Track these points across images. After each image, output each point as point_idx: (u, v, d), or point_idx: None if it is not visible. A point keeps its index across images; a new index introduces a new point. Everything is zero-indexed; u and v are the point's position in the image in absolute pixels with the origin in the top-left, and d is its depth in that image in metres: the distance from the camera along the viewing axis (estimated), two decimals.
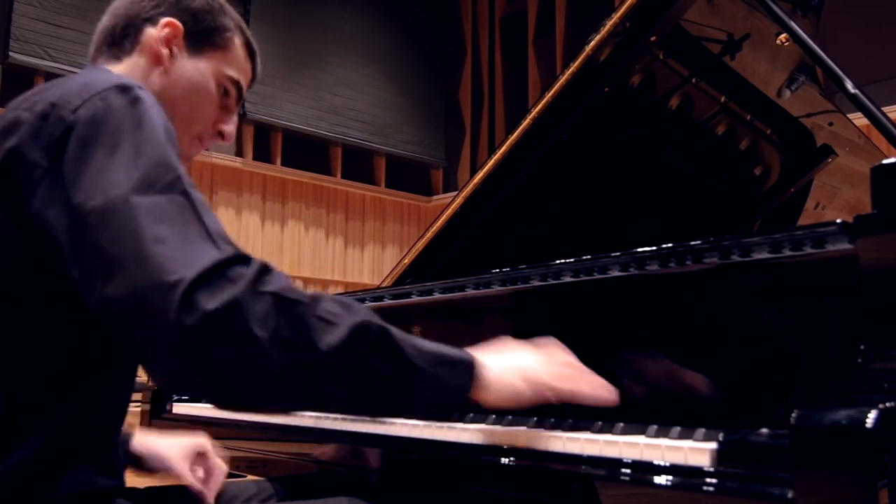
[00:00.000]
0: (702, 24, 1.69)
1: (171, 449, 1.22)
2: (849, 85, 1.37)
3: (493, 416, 1.08)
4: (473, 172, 1.72)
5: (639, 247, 1.05)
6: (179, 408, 1.68)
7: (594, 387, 0.94)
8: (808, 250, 0.88)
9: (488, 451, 0.97)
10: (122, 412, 1.02)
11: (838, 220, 0.85)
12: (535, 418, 1.04)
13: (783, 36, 1.70)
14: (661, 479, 0.78)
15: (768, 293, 0.95)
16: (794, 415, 0.69)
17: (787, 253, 0.89)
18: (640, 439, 0.86)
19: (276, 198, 5.67)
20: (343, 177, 6.09)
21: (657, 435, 0.88)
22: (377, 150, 6.27)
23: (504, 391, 0.91)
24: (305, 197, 5.82)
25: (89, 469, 0.94)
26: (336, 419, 1.20)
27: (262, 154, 5.67)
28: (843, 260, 0.84)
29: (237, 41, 1.14)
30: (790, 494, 0.68)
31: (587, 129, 1.66)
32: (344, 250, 6.02)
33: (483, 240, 1.73)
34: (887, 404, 0.66)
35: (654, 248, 1.03)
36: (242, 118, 5.04)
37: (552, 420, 1.02)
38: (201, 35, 1.10)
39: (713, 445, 0.77)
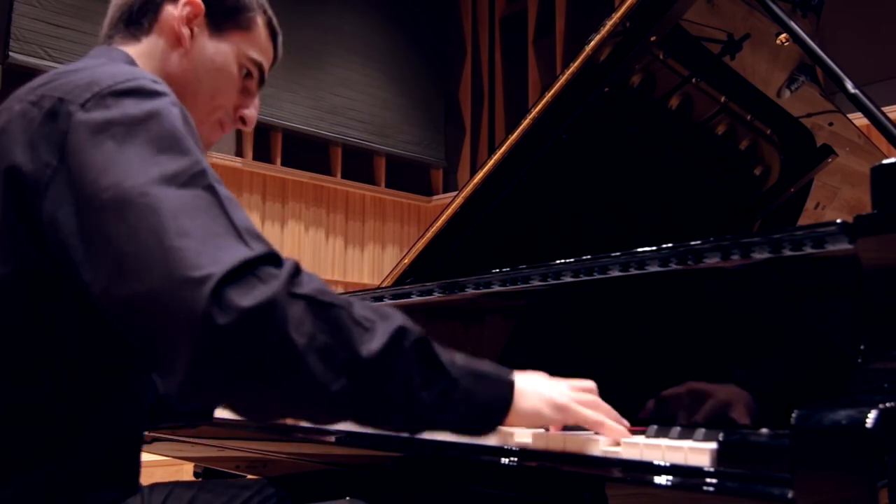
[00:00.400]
0: (702, 24, 1.69)
1: None
2: (849, 85, 1.37)
3: None
4: (473, 172, 1.72)
5: (639, 247, 1.05)
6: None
7: (612, 415, 0.91)
8: (808, 250, 0.88)
9: (488, 452, 0.97)
10: (143, 425, 1.02)
11: (838, 220, 0.85)
12: None
13: (783, 36, 1.70)
14: (660, 479, 0.78)
15: (768, 293, 0.95)
16: (794, 415, 0.69)
17: (787, 253, 0.89)
18: (640, 439, 0.86)
19: (276, 198, 5.66)
20: (343, 177, 6.09)
21: (657, 435, 0.88)
22: (377, 150, 6.27)
23: (528, 412, 0.87)
24: (305, 197, 5.82)
25: (113, 485, 0.93)
26: None
27: (262, 154, 5.67)
28: (843, 260, 0.84)
29: (260, 21, 1.09)
30: (790, 494, 0.68)
31: (587, 129, 1.66)
32: (344, 250, 6.02)
33: (483, 240, 1.73)
34: (887, 404, 0.66)
35: (654, 248, 1.03)
36: None
37: None
38: (224, 14, 1.05)
39: (713, 445, 0.77)
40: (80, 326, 0.85)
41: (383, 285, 1.73)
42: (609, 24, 1.54)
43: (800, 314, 0.91)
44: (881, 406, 0.66)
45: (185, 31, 1.03)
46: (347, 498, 1.09)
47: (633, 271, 1.05)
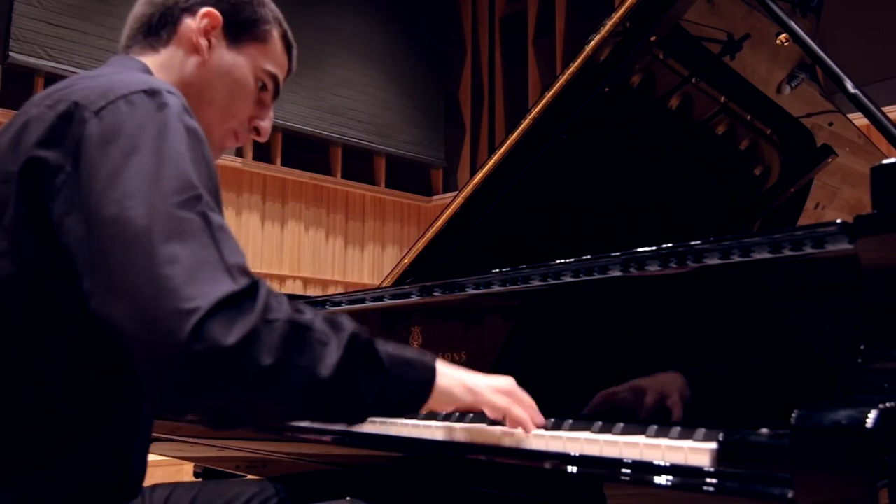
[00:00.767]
0: (702, 24, 1.69)
1: None
2: (849, 85, 1.37)
3: None
4: (473, 172, 1.72)
5: (639, 247, 1.05)
6: None
7: (526, 408, 0.97)
8: (808, 250, 0.88)
9: (489, 452, 0.97)
10: (149, 425, 1.02)
11: (838, 220, 0.85)
12: None
13: (783, 36, 1.70)
14: (661, 479, 0.78)
15: (768, 293, 0.95)
16: (794, 415, 0.69)
17: (787, 253, 0.89)
18: (640, 439, 0.86)
19: (276, 198, 5.67)
20: (343, 177, 6.09)
21: (657, 435, 0.88)
22: (377, 150, 6.27)
23: (443, 391, 0.93)
24: (305, 197, 5.82)
25: (115, 486, 0.93)
26: None
27: (262, 154, 5.67)
28: (843, 260, 0.84)
29: (276, 34, 1.12)
30: (790, 494, 0.68)
31: (587, 129, 1.66)
32: (344, 250, 6.02)
33: (483, 240, 1.73)
34: (887, 404, 0.66)
35: (654, 248, 1.03)
36: None
37: (552, 420, 1.02)
38: (241, 27, 1.07)
39: (713, 445, 0.77)
40: (85, 327, 0.85)
41: (383, 285, 1.73)
42: (609, 24, 1.54)
43: (800, 314, 0.91)
44: (881, 406, 0.66)
45: (203, 42, 1.05)
46: (347, 498, 1.10)
47: (633, 271, 1.05)
